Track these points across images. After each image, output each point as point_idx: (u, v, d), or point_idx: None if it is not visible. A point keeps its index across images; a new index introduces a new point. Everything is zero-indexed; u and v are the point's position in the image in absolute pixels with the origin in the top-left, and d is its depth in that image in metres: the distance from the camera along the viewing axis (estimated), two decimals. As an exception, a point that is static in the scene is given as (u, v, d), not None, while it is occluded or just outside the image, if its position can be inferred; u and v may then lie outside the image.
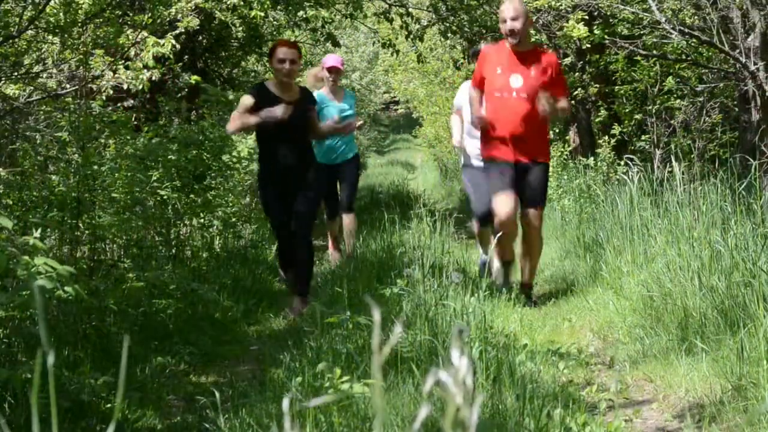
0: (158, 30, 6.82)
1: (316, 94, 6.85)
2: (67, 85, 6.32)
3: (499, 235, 5.57)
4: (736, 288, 4.05)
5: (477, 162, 6.39)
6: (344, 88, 8.15)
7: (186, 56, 9.50)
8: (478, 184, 6.44)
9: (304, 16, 10.98)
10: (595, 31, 7.77)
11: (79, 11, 5.90)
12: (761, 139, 6.51)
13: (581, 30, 7.27)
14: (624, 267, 5.38)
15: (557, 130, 10.71)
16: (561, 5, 7.48)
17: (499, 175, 5.63)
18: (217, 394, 3.12)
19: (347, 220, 7.80)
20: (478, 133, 6.04)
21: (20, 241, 3.32)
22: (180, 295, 5.52)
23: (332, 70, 7.61)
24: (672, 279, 4.56)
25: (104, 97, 6.43)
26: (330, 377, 3.02)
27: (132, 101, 8.24)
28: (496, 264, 6.19)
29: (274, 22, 11.38)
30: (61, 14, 5.72)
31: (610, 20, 7.98)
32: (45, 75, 6.28)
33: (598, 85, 9.63)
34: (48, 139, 6.22)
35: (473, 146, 6.49)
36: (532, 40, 7.32)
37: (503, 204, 5.57)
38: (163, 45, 6.30)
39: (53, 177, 5.68)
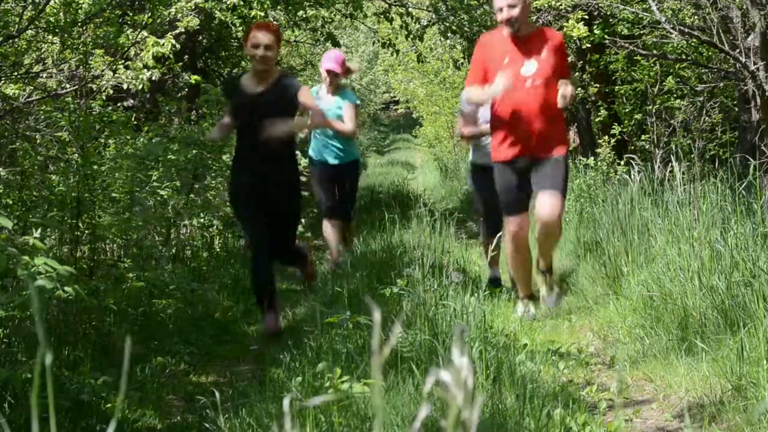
0: (158, 30, 6.81)
1: (313, 89, 6.40)
2: (67, 85, 6.31)
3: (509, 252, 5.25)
4: (736, 288, 4.05)
5: (479, 159, 6.18)
6: (344, 88, 7.24)
7: (186, 56, 9.50)
8: (484, 195, 6.01)
9: (304, 15, 11.00)
10: (595, 31, 7.77)
11: (79, 11, 5.89)
12: (761, 139, 6.50)
13: (581, 30, 7.26)
14: (624, 267, 5.38)
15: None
16: (561, 5, 7.47)
17: (514, 189, 5.06)
18: (217, 394, 3.12)
19: (346, 231, 7.33)
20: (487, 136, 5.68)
21: (20, 241, 3.33)
22: (180, 295, 5.52)
23: (329, 73, 6.91)
24: (672, 279, 4.56)
25: (104, 97, 6.42)
26: (330, 377, 3.02)
27: (132, 101, 8.25)
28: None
29: (274, 22, 11.39)
30: (61, 14, 5.71)
31: (610, 20, 7.97)
32: (45, 75, 6.28)
33: (598, 85, 9.63)
34: (48, 139, 6.22)
35: (481, 145, 6.07)
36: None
37: (516, 225, 5.11)
38: (163, 45, 6.30)
39: (53, 177, 5.69)
